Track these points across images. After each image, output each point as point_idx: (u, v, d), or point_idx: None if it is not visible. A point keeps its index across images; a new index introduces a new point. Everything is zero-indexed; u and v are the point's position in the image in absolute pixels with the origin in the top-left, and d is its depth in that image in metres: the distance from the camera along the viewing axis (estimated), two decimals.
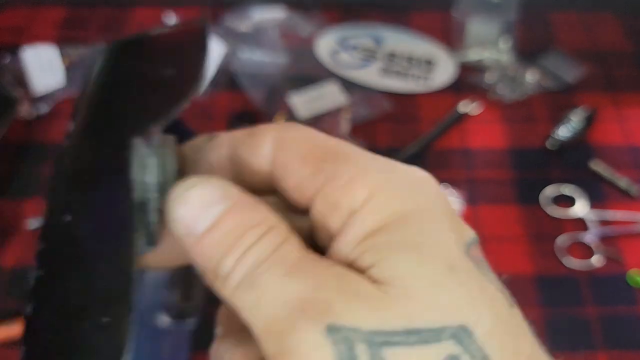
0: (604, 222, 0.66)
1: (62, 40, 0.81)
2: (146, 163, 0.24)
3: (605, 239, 0.65)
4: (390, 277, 0.21)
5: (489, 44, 0.82)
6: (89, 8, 0.87)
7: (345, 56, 0.83)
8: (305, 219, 0.24)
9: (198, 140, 0.26)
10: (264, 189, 0.25)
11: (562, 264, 0.64)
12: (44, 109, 0.76)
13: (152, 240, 0.25)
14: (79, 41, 0.82)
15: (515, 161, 0.72)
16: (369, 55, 0.83)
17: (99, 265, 0.25)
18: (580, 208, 0.67)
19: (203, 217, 0.22)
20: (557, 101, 0.78)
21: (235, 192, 0.23)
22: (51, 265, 0.25)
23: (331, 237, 0.23)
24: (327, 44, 0.84)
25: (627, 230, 0.66)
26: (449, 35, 0.84)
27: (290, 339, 0.20)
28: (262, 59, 0.81)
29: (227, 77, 0.79)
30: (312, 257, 0.22)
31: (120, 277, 0.24)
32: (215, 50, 0.79)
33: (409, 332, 0.20)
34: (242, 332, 0.23)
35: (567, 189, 0.69)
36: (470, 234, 0.23)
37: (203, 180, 0.23)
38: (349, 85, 0.80)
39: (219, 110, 0.76)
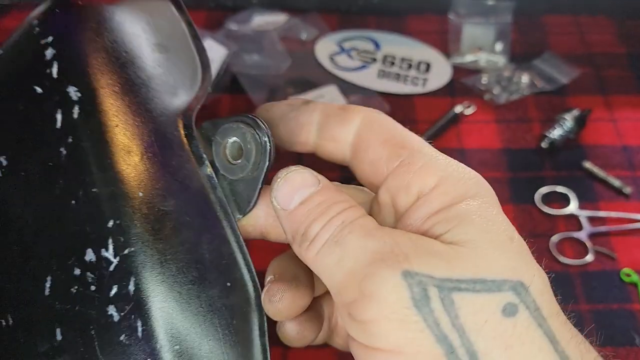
0: (598, 221, 0.67)
1: None
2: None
3: (599, 237, 0.66)
4: (461, 240, 0.25)
5: (485, 47, 0.83)
6: None
7: (344, 59, 0.84)
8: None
9: (295, 101, 0.30)
10: (337, 160, 0.29)
11: (556, 261, 0.64)
12: None
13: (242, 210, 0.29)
14: None
15: (510, 161, 0.73)
16: (368, 58, 0.84)
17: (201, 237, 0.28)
18: (574, 207, 0.68)
19: (298, 195, 0.26)
20: (551, 102, 0.79)
21: (324, 179, 0.27)
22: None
23: (395, 215, 0.27)
24: (326, 48, 0.85)
25: (620, 228, 0.66)
26: (446, 38, 0.85)
27: (371, 282, 0.23)
28: (263, 62, 0.81)
29: (229, 80, 0.80)
30: (387, 228, 0.26)
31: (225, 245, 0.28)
32: (218, 54, 0.80)
33: (475, 281, 0.24)
34: (293, 281, 0.28)
35: (561, 189, 0.69)
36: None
37: (300, 168, 0.27)
38: (348, 87, 0.80)
39: (221, 112, 0.77)
